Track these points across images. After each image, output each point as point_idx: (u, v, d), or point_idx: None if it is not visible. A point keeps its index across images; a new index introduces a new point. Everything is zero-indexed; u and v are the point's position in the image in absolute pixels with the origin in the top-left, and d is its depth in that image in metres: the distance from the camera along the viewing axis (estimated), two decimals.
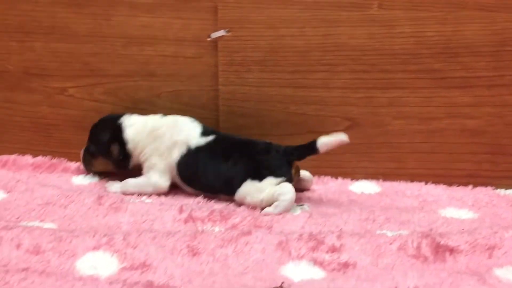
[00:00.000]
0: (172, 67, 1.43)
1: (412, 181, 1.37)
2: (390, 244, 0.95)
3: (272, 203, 1.15)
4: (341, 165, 1.41)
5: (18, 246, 0.93)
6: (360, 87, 1.37)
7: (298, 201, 1.23)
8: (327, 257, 0.92)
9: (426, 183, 1.36)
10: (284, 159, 1.23)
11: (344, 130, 1.39)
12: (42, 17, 1.43)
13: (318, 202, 1.25)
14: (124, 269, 0.88)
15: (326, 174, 1.42)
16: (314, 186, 1.34)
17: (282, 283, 0.80)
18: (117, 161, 1.31)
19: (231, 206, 1.19)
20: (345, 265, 0.90)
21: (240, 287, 0.81)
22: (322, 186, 1.35)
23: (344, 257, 0.92)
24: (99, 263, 0.89)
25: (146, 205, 1.17)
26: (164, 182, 1.26)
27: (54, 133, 1.50)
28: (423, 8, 1.31)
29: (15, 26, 1.44)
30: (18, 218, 1.11)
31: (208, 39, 1.39)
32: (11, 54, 1.46)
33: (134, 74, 1.45)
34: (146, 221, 1.10)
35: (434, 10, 1.31)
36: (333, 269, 0.89)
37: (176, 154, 1.26)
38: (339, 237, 0.97)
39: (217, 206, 1.19)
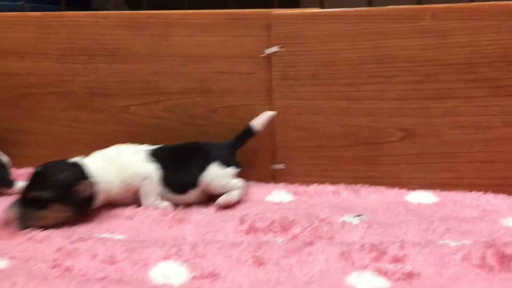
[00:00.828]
0: (227, 83, 1.48)
1: (470, 191, 1.36)
2: (454, 254, 0.95)
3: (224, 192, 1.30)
4: (396, 176, 1.42)
5: (93, 257, 0.99)
6: (414, 97, 1.38)
7: (355, 212, 1.25)
8: (391, 267, 0.93)
9: (485, 192, 1.35)
10: (230, 150, 1.39)
11: (398, 141, 1.40)
12: (106, 40, 1.52)
13: (375, 212, 1.26)
14: (194, 278, 0.92)
15: (380, 184, 1.43)
16: (371, 196, 1.35)
17: None
18: (82, 202, 1.18)
19: (290, 217, 1.21)
20: (410, 275, 0.90)
21: None
22: (378, 196, 1.36)
23: (408, 267, 0.93)
24: (171, 272, 0.94)
25: (207, 217, 1.21)
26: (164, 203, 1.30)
27: None
28: (477, 18, 1.31)
29: (80, 49, 1.53)
30: (90, 230, 1.17)
31: (262, 55, 1.44)
32: (77, 75, 1.55)
33: (191, 91, 1.51)
34: (209, 232, 1.14)
35: (488, 19, 1.31)
36: (398, 279, 0.90)
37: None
38: (401, 247, 0.98)
39: (276, 216, 1.21)
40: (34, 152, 1.62)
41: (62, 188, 1.15)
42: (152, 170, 1.28)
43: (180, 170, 1.31)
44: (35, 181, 1.15)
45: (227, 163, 1.33)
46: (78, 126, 1.58)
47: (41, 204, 1.12)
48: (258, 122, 1.42)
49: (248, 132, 1.42)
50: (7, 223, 1.13)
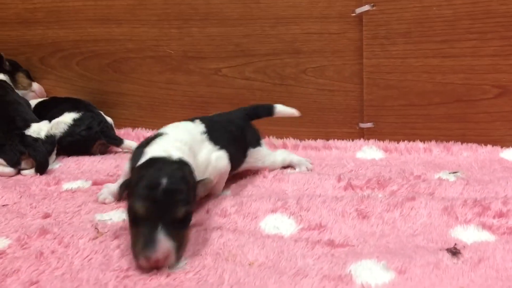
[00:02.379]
0: (317, 43, 1.51)
1: None
2: None
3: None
4: (490, 133, 1.41)
5: (207, 211, 1.07)
6: (511, 53, 1.35)
7: (449, 169, 1.26)
8: (495, 221, 0.95)
9: None
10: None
11: (494, 98, 1.38)
12: (198, 5, 1.57)
13: (469, 169, 1.27)
14: (303, 229, 0.98)
15: (473, 142, 1.42)
16: (463, 153, 1.36)
17: (455, 244, 0.86)
18: None
19: (385, 174, 1.25)
20: None
21: (413, 248, 0.88)
22: (471, 153, 1.36)
23: None
24: (280, 224, 1.00)
25: (305, 175, 1.26)
26: None
27: (210, 110, 1.65)
28: None
29: (175, 15, 1.60)
30: None
31: (353, 14, 1.44)
32: (172, 39, 1.63)
33: (281, 53, 1.55)
34: (309, 189, 1.19)
35: None
36: (504, 233, 0.92)
37: None
38: (504, 202, 1.00)
39: (370, 174, 1.25)
40: (133, 113, 1.73)
41: (194, 196, 0.93)
42: (227, 163, 1.14)
43: (235, 151, 1.18)
44: (169, 197, 0.85)
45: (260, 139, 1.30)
46: (173, 88, 1.67)
47: (184, 220, 0.88)
48: (280, 110, 1.33)
49: (267, 112, 1.33)
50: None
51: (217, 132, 1.16)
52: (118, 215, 1.04)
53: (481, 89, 1.39)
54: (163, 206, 0.84)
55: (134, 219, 0.85)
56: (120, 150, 1.55)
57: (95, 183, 1.26)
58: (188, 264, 0.85)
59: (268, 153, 1.31)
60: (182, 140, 1.04)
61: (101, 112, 1.60)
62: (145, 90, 1.70)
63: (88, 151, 1.51)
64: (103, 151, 1.54)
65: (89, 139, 1.51)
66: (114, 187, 1.13)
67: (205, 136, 1.13)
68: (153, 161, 0.93)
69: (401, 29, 1.41)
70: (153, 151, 0.97)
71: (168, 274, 0.81)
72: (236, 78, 1.60)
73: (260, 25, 1.54)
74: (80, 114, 1.54)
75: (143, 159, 0.95)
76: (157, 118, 1.70)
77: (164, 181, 0.86)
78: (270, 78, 1.57)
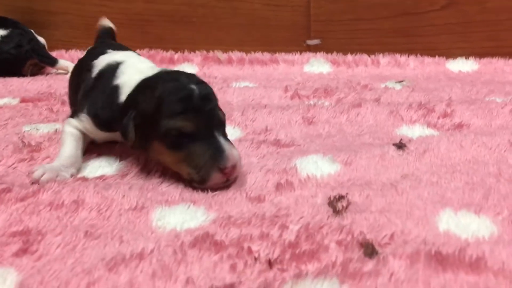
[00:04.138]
0: None
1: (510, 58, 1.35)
2: (502, 108, 0.96)
3: None
4: (437, 47, 1.40)
5: None
6: None
7: (395, 79, 1.25)
8: (440, 121, 0.95)
9: None
10: None
11: (440, 9, 1.36)
12: None
13: (416, 79, 1.26)
14: (248, 133, 0.94)
15: (420, 55, 1.41)
16: (410, 64, 1.35)
17: (401, 140, 0.84)
18: None
19: (332, 84, 1.22)
20: (459, 126, 0.92)
21: (359, 144, 0.86)
22: (418, 64, 1.36)
23: (456, 120, 0.94)
24: None
25: (251, 88, 1.21)
26: None
27: (149, 29, 1.56)
28: None
29: None
30: None
31: None
32: None
33: None
34: (254, 100, 1.15)
35: None
36: (448, 129, 0.92)
37: None
38: (448, 104, 1.00)
39: (318, 85, 1.22)
40: (66, 33, 1.61)
41: None
42: None
43: None
44: (208, 103, 0.73)
45: None
46: (109, 5, 1.56)
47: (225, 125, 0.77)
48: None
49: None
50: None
51: None
52: (46, 127, 0.96)
53: (428, 1, 1.37)
54: (209, 114, 0.71)
55: (175, 141, 0.70)
56: (53, 71, 1.45)
57: (23, 100, 1.16)
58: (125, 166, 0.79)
59: None
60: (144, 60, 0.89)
61: (32, 31, 1.47)
62: (78, 8, 1.58)
63: (19, 72, 1.40)
64: (35, 73, 1.43)
65: (19, 58, 1.40)
66: (55, 165, 0.77)
67: None
68: (159, 77, 0.76)
69: None
70: (140, 72, 0.79)
71: (103, 178, 0.75)
72: None
73: None
74: (8, 31, 1.41)
75: (128, 88, 0.76)
76: (91, 38, 1.56)
77: (195, 87, 0.72)
78: None
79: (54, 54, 1.55)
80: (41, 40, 1.48)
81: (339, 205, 0.65)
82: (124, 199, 0.67)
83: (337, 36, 1.45)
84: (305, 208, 0.64)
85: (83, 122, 0.81)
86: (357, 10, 1.41)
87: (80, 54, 1.55)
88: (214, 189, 0.70)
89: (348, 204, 0.65)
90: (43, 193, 0.68)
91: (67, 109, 1.10)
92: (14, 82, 1.33)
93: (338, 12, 1.42)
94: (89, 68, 0.87)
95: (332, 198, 0.66)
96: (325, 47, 1.46)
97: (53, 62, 1.42)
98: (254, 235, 0.58)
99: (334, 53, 1.42)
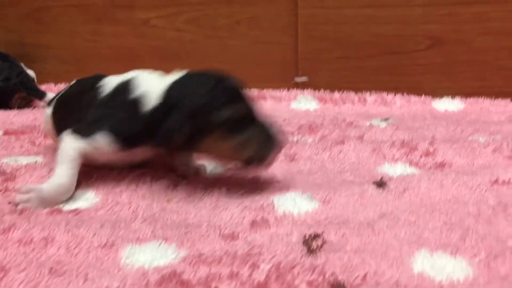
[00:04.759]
0: None
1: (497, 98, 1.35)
2: (485, 148, 0.96)
3: None
4: (422, 86, 1.41)
5: None
6: (443, 3, 1.35)
7: (381, 117, 1.25)
8: (422, 159, 0.94)
9: None
10: None
11: (425, 49, 1.38)
12: None
13: (402, 117, 1.27)
14: (230, 168, 0.93)
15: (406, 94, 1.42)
16: (397, 103, 1.35)
17: (382, 178, 0.84)
18: None
19: (317, 121, 1.22)
20: (441, 165, 0.92)
21: (340, 182, 0.85)
22: (405, 103, 1.36)
23: (439, 159, 0.94)
24: None
25: None
26: None
27: (138, 64, 1.56)
28: None
29: None
30: None
31: None
32: None
33: (213, 2, 1.48)
34: None
35: None
36: (430, 168, 0.91)
37: None
38: (431, 143, 0.99)
39: (304, 121, 1.22)
40: (56, 67, 1.62)
41: None
42: None
43: None
44: (242, 93, 0.77)
45: None
46: (99, 40, 1.57)
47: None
48: None
49: None
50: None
51: None
52: (26, 159, 0.95)
53: (414, 40, 1.39)
54: (248, 103, 0.77)
55: (234, 127, 0.74)
56: (42, 104, 1.45)
57: (6, 133, 1.16)
58: (100, 200, 0.78)
59: None
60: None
61: (21, 64, 1.48)
62: (68, 42, 1.59)
63: (6, 105, 1.40)
64: (23, 106, 1.43)
65: (7, 91, 1.40)
66: (47, 189, 0.74)
67: None
68: (192, 75, 0.78)
69: None
70: (158, 79, 0.78)
71: (77, 212, 0.74)
72: (167, 29, 1.52)
73: None
74: None
75: (154, 96, 0.75)
76: (81, 72, 1.55)
77: (230, 80, 0.77)
78: (203, 30, 1.50)
79: (43, 87, 1.56)
80: (31, 73, 1.49)
81: (314, 244, 0.63)
82: (95, 237, 0.65)
83: (324, 74, 1.46)
84: (279, 246, 0.63)
85: (97, 143, 0.78)
86: (344, 49, 1.43)
87: None
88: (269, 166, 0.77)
89: (323, 243, 0.63)
90: (14, 232, 0.66)
91: (49, 141, 1.10)
92: (0, 115, 1.32)
93: (325, 50, 1.44)
94: (95, 89, 0.84)
95: (307, 237, 0.65)
96: (312, 84, 1.46)
97: (41, 95, 1.42)
98: (223, 274, 0.56)
99: (322, 90, 1.43)
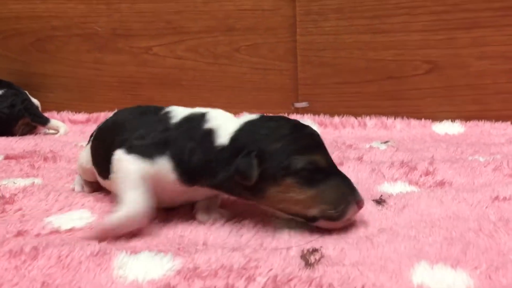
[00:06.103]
0: (250, 20, 1.48)
1: (496, 122, 1.35)
2: (485, 167, 0.95)
3: None
4: (422, 110, 1.41)
5: None
6: (441, 28, 1.36)
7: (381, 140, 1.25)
8: (422, 179, 0.94)
9: None
10: None
11: (424, 74, 1.39)
12: None
13: (402, 140, 1.26)
14: None
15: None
16: (397, 127, 1.35)
17: (381, 195, 0.83)
18: None
19: None
20: (441, 183, 0.91)
21: None
22: (405, 126, 1.36)
23: (438, 178, 0.93)
24: None
25: None
26: None
27: (140, 91, 1.59)
28: None
29: None
30: None
31: None
32: (100, 16, 1.56)
33: (213, 30, 1.50)
34: None
35: None
36: (430, 186, 0.90)
37: None
38: (431, 163, 0.99)
39: None
40: (59, 95, 1.64)
41: None
42: None
43: None
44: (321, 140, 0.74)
45: None
46: (102, 68, 1.59)
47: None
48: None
49: None
50: None
51: None
52: (24, 181, 0.95)
53: (412, 65, 1.40)
54: (326, 153, 0.71)
55: (309, 177, 0.67)
56: (44, 131, 1.46)
57: (7, 157, 1.16)
58: (96, 220, 0.77)
59: None
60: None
61: (26, 92, 1.50)
62: (72, 71, 1.61)
63: (10, 131, 1.40)
64: (26, 133, 1.44)
65: (12, 117, 1.41)
66: (122, 218, 0.68)
67: None
68: (268, 118, 0.73)
69: (333, 5, 1.41)
70: (231, 118, 0.74)
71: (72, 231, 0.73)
72: (168, 57, 1.54)
73: (192, 1, 1.49)
74: (2, 91, 1.43)
75: (226, 131, 0.70)
76: (84, 100, 1.61)
77: (308, 128, 0.72)
78: (203, 57, 1.52)
79: (46, 114, 1.57)
80: (35, 101, 1.50)
81: (312, 258, 0.62)
82: (89, 246, 0.64)
83: (324, 99, 1.47)
84: (276, 260, 0.62)
85: (158, 165, 0.71)
86: (343, 74, 1.44)
87: (72, 115, 1.57)
88: (345, 225, 0.68)
89: (321, 257, 0.62)
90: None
91: (49, 165, 1.10)
92: (2, 141, 1.33)
93: (324, 76, 1.45)
94: (162, 114, 0.78)
95: (305, 251, 0.64)
96: (312, 110, 1.47)
97: (45, 121, 1.43)
98: (218, 287, 0.55)
99: (322, 115, 1.43)
